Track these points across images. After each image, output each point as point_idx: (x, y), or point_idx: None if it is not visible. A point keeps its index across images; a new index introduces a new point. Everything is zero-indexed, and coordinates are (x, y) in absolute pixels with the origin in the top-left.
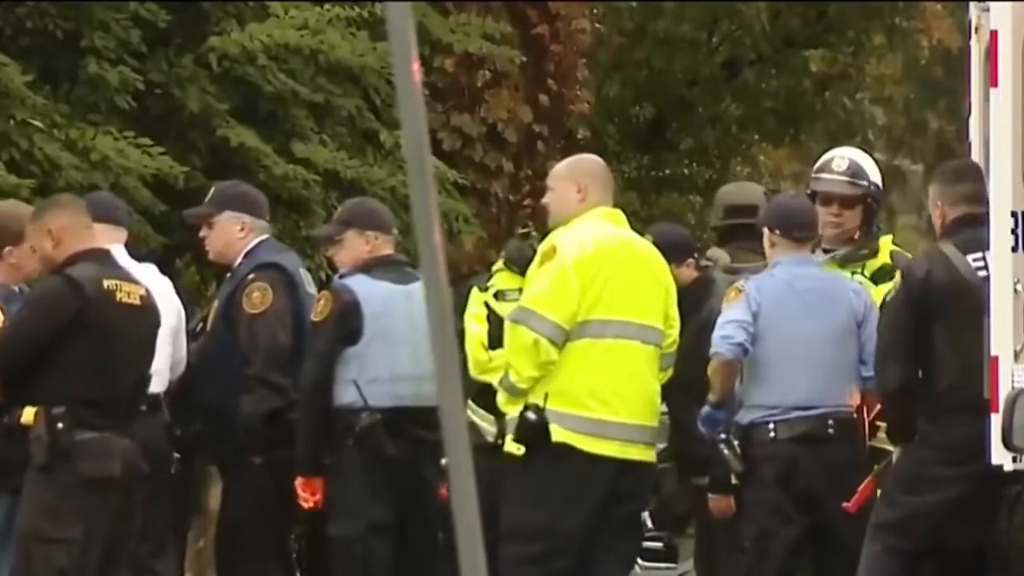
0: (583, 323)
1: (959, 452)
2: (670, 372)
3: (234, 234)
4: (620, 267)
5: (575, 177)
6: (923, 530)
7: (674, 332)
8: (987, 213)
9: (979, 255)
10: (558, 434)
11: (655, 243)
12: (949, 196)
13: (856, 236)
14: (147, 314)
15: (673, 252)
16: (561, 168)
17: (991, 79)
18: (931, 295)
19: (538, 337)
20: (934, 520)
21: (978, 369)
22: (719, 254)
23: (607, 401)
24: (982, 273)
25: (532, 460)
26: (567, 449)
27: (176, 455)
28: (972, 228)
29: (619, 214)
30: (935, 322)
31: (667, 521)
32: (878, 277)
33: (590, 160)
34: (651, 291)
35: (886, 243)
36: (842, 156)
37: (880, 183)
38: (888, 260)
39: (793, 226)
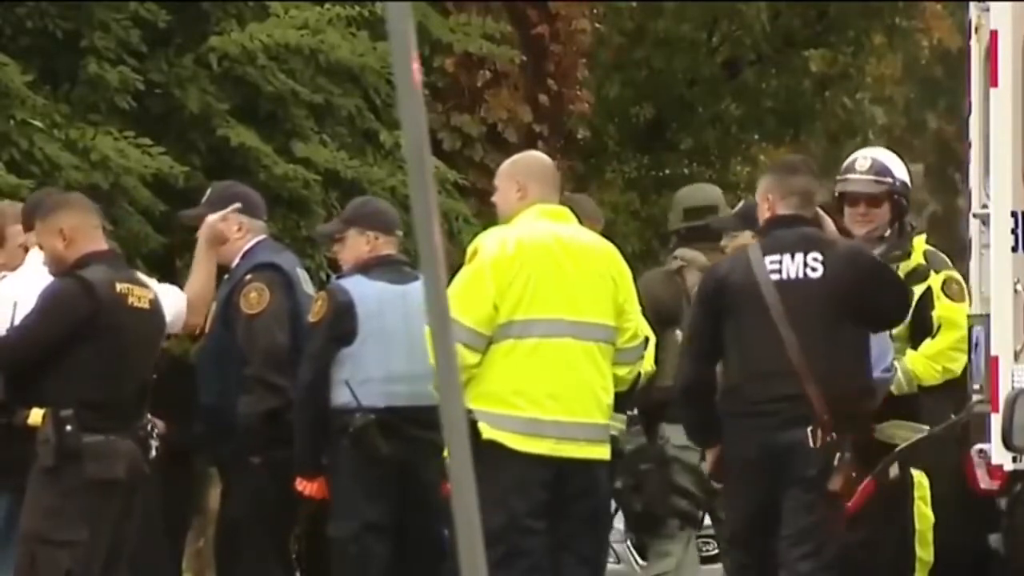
0: (505, 325)
1: (744, 461)
2: (639, 366)
3: (231, 234)
4: (548, 265)
5: (515, 175)
6: (750, 541)
7: (632, 325)
8: (802, 216)
9: (777, 257)
10: (487, 432)
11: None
12: (780, 189)
13: (887, 234)
14: (155, 318)
15: None
16: (504, 167)
17: (991, 79)
18: (724, 295)
19: None
20: (754, 530)
21: (756, 374)
22: (692, 255)
23: (537, 400)
24: (774, 276)
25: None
26: (499, 448)
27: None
28: (785, 228)
29: (561, 210)
30: (725, 322)
31: (648, 523)
32: (911, 278)
33: (532, 157)
34: (591, 287)
35: (919, 243)
36: (866, 156)
37: (908, 180)
38: (922, 260)
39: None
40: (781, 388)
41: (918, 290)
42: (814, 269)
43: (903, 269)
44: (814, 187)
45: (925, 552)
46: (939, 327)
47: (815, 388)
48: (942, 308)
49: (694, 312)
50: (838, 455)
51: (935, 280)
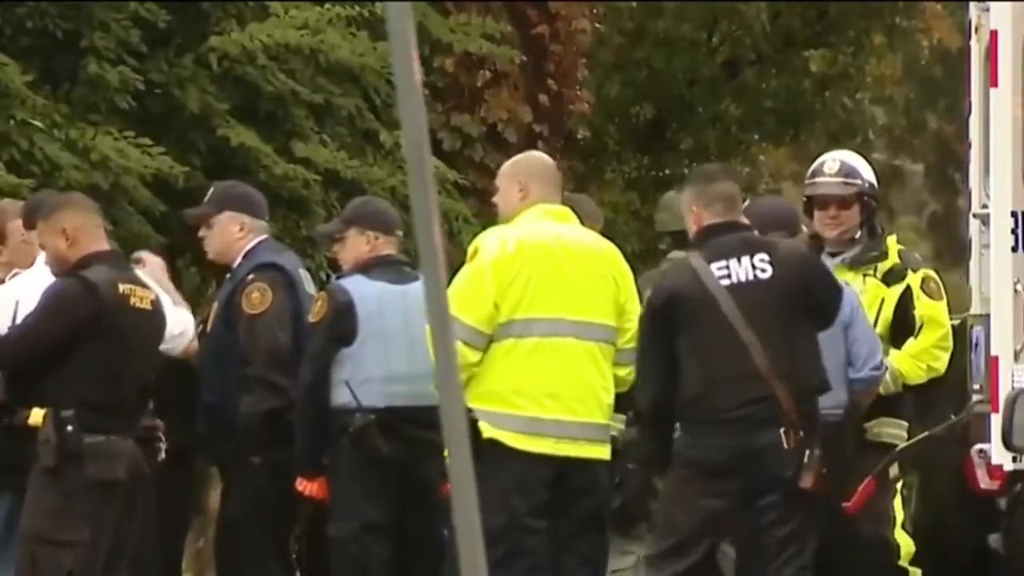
0: (506, 324)
1: (706, 467)
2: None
3: (233, 234)
4: (549, 265)
5: (516, 175)
6: (689, 552)
7: (632, 325)
8: (734, 221)
9: (723, 263)
10: (487, 431)
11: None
12: (702, 198)
13: (857, 236)
14: (156, 319)
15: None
16: (506, 167)
17: (991, 79)
18: (674, 309)
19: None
20: (698, 539)
21: (722, 381)
22: (682, 256)
23: (537, 399)
24: (725, 282)
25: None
26: (500, 447)
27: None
28: (720, 236)
29: (563, 211)
30: (679, 335)
31: (620, 522)
32: (890, 278)
33: (533, 158)
34: (592, 287)
35: (893, 243)
36: (833, 159)
37: (875, 182)
38: (897, 260)
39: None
40: (748, 392)
41: (897, 290)
42: (763, 270)
43: (881, 270)
44: (736, 191)
45: (904, 544)
46: (921, 326)
47: (782, 388)
48: (923, 307)
49: (646, 332)
50: (807, 453)
51: (913, 279)
